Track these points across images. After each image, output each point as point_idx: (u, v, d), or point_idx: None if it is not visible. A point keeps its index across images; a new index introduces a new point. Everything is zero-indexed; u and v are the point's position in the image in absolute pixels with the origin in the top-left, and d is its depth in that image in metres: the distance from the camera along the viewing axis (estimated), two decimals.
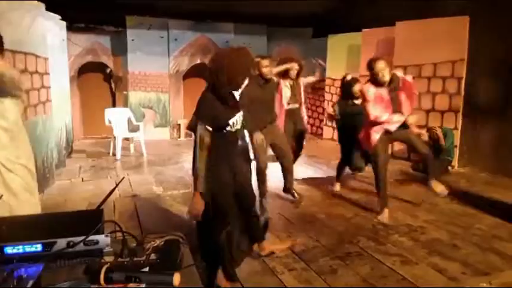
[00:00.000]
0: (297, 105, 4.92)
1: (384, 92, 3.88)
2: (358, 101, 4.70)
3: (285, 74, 4.78)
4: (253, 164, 2.97)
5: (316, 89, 9.58)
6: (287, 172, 4.55)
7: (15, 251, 1.30)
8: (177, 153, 7.49)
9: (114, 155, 7.19)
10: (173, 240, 1.47)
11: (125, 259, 1.32)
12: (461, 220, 4.04)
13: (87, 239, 1.34)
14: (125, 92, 9.11)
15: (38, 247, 1.32)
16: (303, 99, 5.02)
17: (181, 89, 9.47)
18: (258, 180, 3.71)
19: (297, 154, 5.01)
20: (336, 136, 5.45)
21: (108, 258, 1.33)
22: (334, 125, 5.69)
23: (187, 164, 2.62)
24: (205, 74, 2.60)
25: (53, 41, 6.03)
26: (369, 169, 4.65)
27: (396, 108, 3.96)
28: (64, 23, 6.93)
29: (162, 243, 1.44)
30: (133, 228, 3.72)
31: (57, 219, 1.61)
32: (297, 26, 9.80)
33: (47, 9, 5.64)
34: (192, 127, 2.52)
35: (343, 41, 8.64)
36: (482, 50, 5.84)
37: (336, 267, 3.07)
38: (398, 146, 6.90)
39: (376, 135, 3.98)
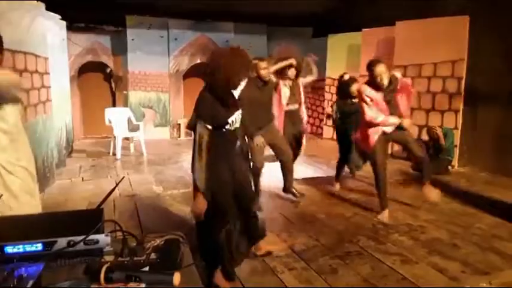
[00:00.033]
0: (296, 106, 4.91)
1: (380, 95, 3.89)
2: (356, 100, 4.70)
3: (284, 74, 4.77)
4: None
5: (316, 89, 9.58)
6: (287, 171, 4.55)
7: (15, 250, 1.30)
8: (177, 153, 7.49)
9: (114, 154, 7.19)
10: (173, 240, 1.47)
11: (125, 258, 1.32)
12: (461, 219, 4.04)
13: (88, 239, 1.33)
14: (125, 92, 9.11)
15: (39, 246, 1.31)
16: (302, 100, 5.01)
17: (181, 89, 9.47)
18: (253, 179, 3.71)
19: (296, 154, 5.01)
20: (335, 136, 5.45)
21: (108, 258, 1.33)
22: (331, 123, 5.70)
23: (187, 164, 2.63)
24: (203, 74, 2.60)
25: (53, 41, 6.03)
26: (368, 169, 4.65)
27: (394, 109, 3.97)
28: (64, 23, 6.93)
29: (162, 242, 1.44)
30: (134, 228, 3.73)
31: (57, 218, 1.60)
32: (297, 26, 9.80)
33: (47, 8, 5.64)
34: (191, 126, 2.52)
35: (343, 40, 8.65)
36: (482, 50, 5.84)
37: (336, 267, 3.08)
38: (398, 146, 6.91)
39: (374, 136, 3.99)
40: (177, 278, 1.14)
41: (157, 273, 1.19)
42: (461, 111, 6.12)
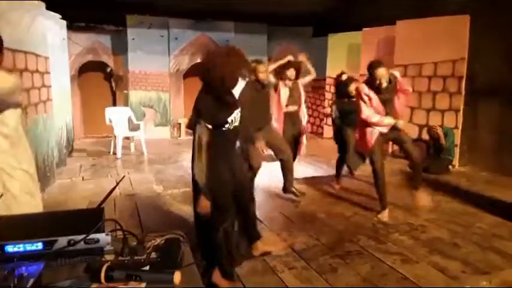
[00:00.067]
0: (295, 108, 4.90)
1: (377, 96, 3.90)
2: (354, 99, 4.72)
3: (283, 74, 4.77)
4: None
5: (317, 88, 9.58)
6: (287, 171, 4.55)
7: (16, 249, 1.30)
8: (177, 152, 7.49)
9: (114, 153, 7.19)
10: (174, 239, 1.47)
11: (126, 258, 1.32)
12: (461, 219, 4.04)
13: (88, 238, 1.34)
14: (125, 91, 9.11)
15: (39, 245, 1.32)
16: (303, 101, 4.98)
17: (182, 88, 9.47)
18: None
19: (295, 154, 5.01)
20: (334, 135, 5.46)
21: (109, 257, 1.33)
22: (330, 122, 5.70)
23: (187, 163, 2.63)
24: (200, 74, 2.58)
25: (53, 40, 6.04)
26: (368, 168, 4.65)
27: (391, 109, 3.98)
28: (64, 22, 6.93)
29: (163, 241, 1.44)
30: (134, 227, 3.73)
31: (58, 217, 1.61)
32: (298, 25, 9.80)
33: (47, 8, 5.64)
34: (191, 126, 2.52)
35: (344, 40, 8.64)
36: (483, 49, 5.83)
37: (336, 266, 3.08)
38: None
39: (371, 136, 4.00)
40: (177, 277, 1.14)
41: (157, 273, 1.19)
42: (461, 111, 6.12)
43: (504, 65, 5.62)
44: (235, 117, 2.55)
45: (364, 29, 7.69)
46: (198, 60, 9.23)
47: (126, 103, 8.98)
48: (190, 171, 2.59)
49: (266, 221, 4.01)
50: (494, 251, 3.30)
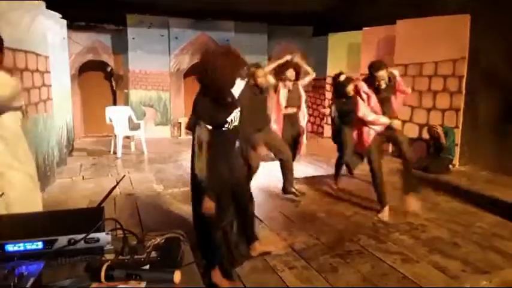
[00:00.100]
0: (294, 110, 4.89)
1: (375, 95, 3.90)
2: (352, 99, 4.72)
3: (282, 75, 4.77)
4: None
5: (317, 88, 9.58)
6: (287, 170, 4.55)
7: (16, 248, 1.30)
8: (177, 152, 7.49)
9: (114, 153, 7.19)
10: (174, 238, 1.47)
11: (126, 257, 1.32)
12: (462, 218, 4.04)
13: (88, 237, 1.34)
14: (125, 91, 9.11)
15: (39, 245, 1.32)
16: (303, 101, 4.95)
17: (182, 88, 9.47)
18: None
19: (294, 154, 5.00)
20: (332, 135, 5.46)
21: (109, 256, 1.34)
22: (329, 121, 5.71)
23: (187, 162, 2.63)
24: (197, 75, 2.56)
25: (53, 40, 6.03)
26: (367, 168, 4.65)
27: (388, 108, 3.98)
28: (65, 22, 6.93)
29: (163, 241, 1.44)
30: (134, 226, 3.73)
31: (58, 217, 1.61)
32: (298, 25, 9.79)
33: (48, 7, 5.64)
34: (191, 127, 2.51)
35: (344, 39, 8.64)
36: (483, 49, 5.83)
37: (336, 265, 3.08)
38: None
39: (369, 135, 4.00)
40: (177, 276, 1.14)
41: (157, 272, 1.19)
42: (462, 110, 6.11)
43: (504, 64, 5.62)
44: (234, 117, 2.54)
45: (365, 28, 7.68)
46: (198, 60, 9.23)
47: (126, 102, 8.98)
48: (190, 170, 2.59)
49: (266, 220, 4.01)
50: (495, 250, 3.30)
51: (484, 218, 4.06)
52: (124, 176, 5.71)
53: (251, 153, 3.96)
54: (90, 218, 1.43)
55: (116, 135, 7.18)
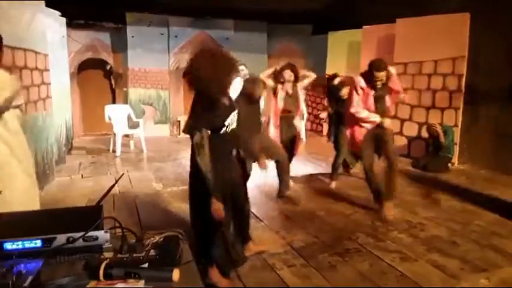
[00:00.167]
0: (292, 114, 4.87)
1: (371, 93, 3.89)
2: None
3: (280, 78, 4.75)
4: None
5: (316, 86, 9.55)
6: (283, 171, 4.50)
7: (14, 246, 1.30)
8: (176, 150, 7.49)
9: (114, 151, 7.19)
10: (172, 237, 1.47)
11: (124, 255, 1.32)
12: (460, 217, 4.05)
13: (87, 235, 1.34)
14: (124, 89, 9.10)
15: (38, 243, 1.32)
16: (302, 106, 4.91)
17: (181, 86, 9.45)
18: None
19: (292, 155, 4.99)
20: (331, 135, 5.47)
21: (108, 254, 1.34)
22: (327, 121, 5.71)
23: (186, 161, 2.63)
24: (187, 81, 2.51)
25: (52, 38, 6.02)
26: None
27: (382, 105, 3.97)
28: (64, 20, 6.91)
29: (162, 239, 1.44)
30: (133, 225, 3.73)
31: (56, 215, 1.60)
32: (297, 23, 9.78)
33: (47, 5, 5.63)
34: (188, 131, 2.49)
35: (344, 38, 8.63)
36: (483, 47, 5.83)
37: (335, 264, 3.08)
38: (398, 143, 6.90)
39: (361, 134, 4.00)
40: (176, 274, 1.14)
41: (156, 270, 1.19)
42: (461, 109, 6.12)
43: (504, 63, 5.62)
44: (232, 120, 2.53)
45: (364, 26, 7.67)
46: None
47: (125, 101, 8.98)
48: (189, 169, 2.59)
49: (265, 219, 4.01)
50: (493, 249, 3.31)
51: (482, 216, 4.06)
52: (123, 174, 5.70)
53: (246, 160, 3.92)
54: (88, 216, 1.43)
55: (115, 134, 7.18)
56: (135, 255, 1.32)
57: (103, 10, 8.28)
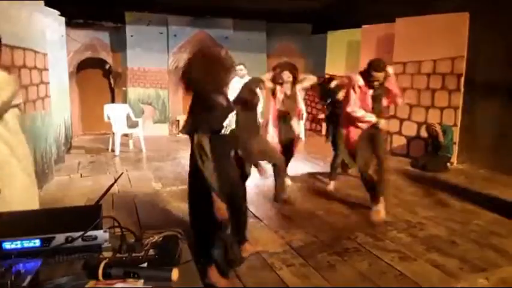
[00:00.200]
0: (290, 115, 4.85)
1: (369, 94, 3.89)
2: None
3: (279, 79, 4.74)
4: None
5: (315, 86, 9.55)
6: (279, 175, 4.46)
7: (13, 246, 1.30)
8: (175, 149, 7.48)
9: (113, 151, 7.18)
10: (171, 236, 1.47)
11: (124, 255, 1.32)
12: (459, 216, 4.05)
13: (86, 235, 1.34)
14: (124, 88, 9.09)
15: (37, 242, 1.31)
16: (301, 106, 4.90)
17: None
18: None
19: (290, 156, 4.98)
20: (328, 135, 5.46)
21: (107, 254, 1.34)
22: (326, 122, 5.72)
23: (186, 160, 2.63)
24: (183, 84, 2.50)
25: (52, 37, 6.01)
26: None
27: (378, 105, 3.96)
28: (63, 19, 6.91)
29: (161, 239, 1.44)
30: (132, 224, 3.72)
31: (55, 214, 1.60)
32: (297, 22, 9.78)
33: (46, 4, 5.63)
34: (186, 132, 2.49)
35: (343, 37, 8.62)
36: (482, 47, 5.83)
37: (334, 263, 3.08)
38: (397, 143, 6.91)
39: (356, 134, 3.99)
40: (175, 274, 1.14)
41: (155, 269, 1.19)
42: (460, 108, 6.12)
43: (503, 63, 5.62)
44: (230, 121, 2.52)
45: (364, 26, 7.67)
46: None
47: (124, 100, 8.97)
48: (188, 168, 2.59)
49: (264, 219, 4.01)
50: (492, 248, 3.31)
51: (481, 216, 4.07)
52: (122, 173, 5.69)
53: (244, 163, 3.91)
54: (87, 215, 1.43)
55: (114, 133, 7.17)
56: (134, 254, 1.32)
57: (102, 9, 8.28)
